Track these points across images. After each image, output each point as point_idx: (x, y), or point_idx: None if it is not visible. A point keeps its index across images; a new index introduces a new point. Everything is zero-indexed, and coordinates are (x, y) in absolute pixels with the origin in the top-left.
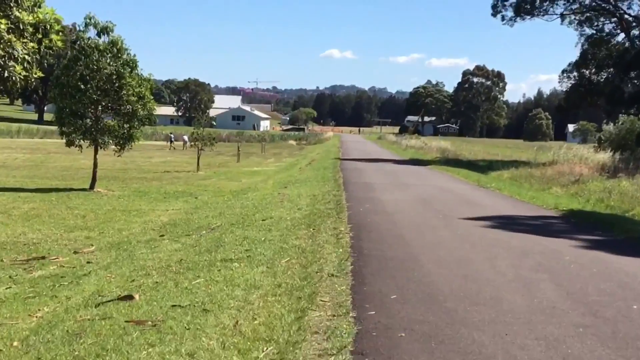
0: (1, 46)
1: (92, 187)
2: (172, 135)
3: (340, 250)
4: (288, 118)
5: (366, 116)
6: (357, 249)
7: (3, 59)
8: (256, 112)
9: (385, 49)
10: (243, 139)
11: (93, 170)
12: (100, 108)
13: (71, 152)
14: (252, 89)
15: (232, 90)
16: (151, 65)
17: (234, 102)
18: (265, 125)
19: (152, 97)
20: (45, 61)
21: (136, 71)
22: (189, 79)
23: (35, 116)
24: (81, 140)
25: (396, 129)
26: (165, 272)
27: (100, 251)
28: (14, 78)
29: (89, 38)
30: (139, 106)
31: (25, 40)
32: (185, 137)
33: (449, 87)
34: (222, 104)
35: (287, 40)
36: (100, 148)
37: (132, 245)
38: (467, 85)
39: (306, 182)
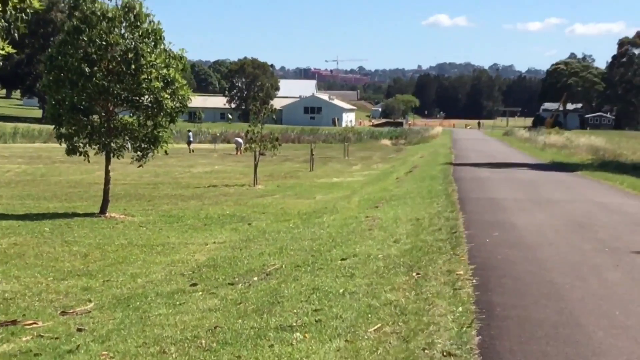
0: None
1: (102, 211)
2: (190, 134)
3: (460, 308)
4: (380, 109)
5: (487, 104)
6: (485, 306)
7: None
8: (336, 102)
9: (511, 13)
10: (319, 139)
11: (104, 188)
12: (112, 99)
13: (83, 160)
14: (330, 71)
15: (303, 73)
16: (194, 43)
17: (307, 88)
18: (349, 119)
19: (184, 82)
20: (15, 29)
21: (162, 46)
22: (245, 58)
23: (39, 113)
24: (87, 146)
25: (528, 121)
26: (189, 349)
27: (101, 311)
28: None
29: (93, 1)
30: (166, 95)
31: None
32: (239, 139)
33: (601, 62)
34: (290, 91)
35: (377, 2)
36: (114, 156)
37: (148, 301)
38: (625, 60)
39: (406, 199)
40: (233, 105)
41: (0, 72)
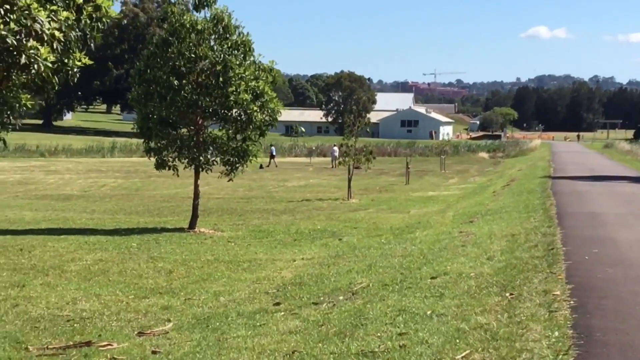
0: (15, 16)
1: (191, 226)
2: (272, 148)
3: (556, 333)
4: (478, 122)
5: (586, 117)
6: (583, 331)
7: (19, 36)
8: (434, 115)
9: (612, 24)
10: (415, 152)
11: (194, 203)
12: (200, 112)
13: (182, 175)
14: (428, 84)
15: (401, 87)
16: (292, 57)
17: (404, 101)
18: (446, 132)
19: (274, 95)
20: (92, 40)
21: (251, 58)
22: (342, 72)
23: None
24: (176, 160)
25: (629, 134)
26: None
27: (179, 331)
28: (36, 66)
29: (182, 12)
30: (256, 108)
31: (54, 7)
32: (336, 150)
33: None
34: (387, 104)
35: (476, 15)
36: (202, 170)
37: (229, 321)
38: None
39: (502, 214)
40: (330, 119)
41: (100, 87)
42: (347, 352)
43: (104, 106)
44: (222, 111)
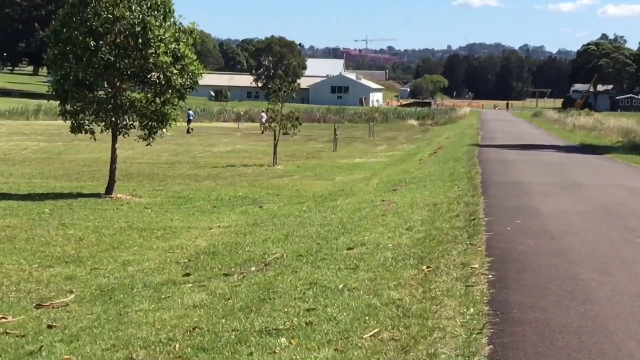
0: None
1: (108, 191)
2: (190, 112)
3: (471, 309)
4: (408, 89)
5: (516, 85)
6: (500, 307)
7: None
8: (364, 82)
9: None
10: (344, 118)
11: (110, 168)
12: (118, 75)
13: (106, 139)
14: (359, 51)
15: (332, 53)
16: (223, 22)
17: (334, 67)
18: (376, 98)
19: (195, 57)
20: None
21: (171, 20)
22: (272, 37)
23: None
24: (93, 123)
25: (558, 103)
26: (159, 354)
27: (80, 304)
28: None
29: None
30: (175, 71)
31: None
32: (264, 116)
33: (632, 43)
34: (317, 70)
35: None
36: (120, 134)
37: (133, 293)
38: None
39: (426, 182)
40: (260, 84)
41: (25, 48)
42: (250, 329)
43: (31, 68)
44: (141, 74)
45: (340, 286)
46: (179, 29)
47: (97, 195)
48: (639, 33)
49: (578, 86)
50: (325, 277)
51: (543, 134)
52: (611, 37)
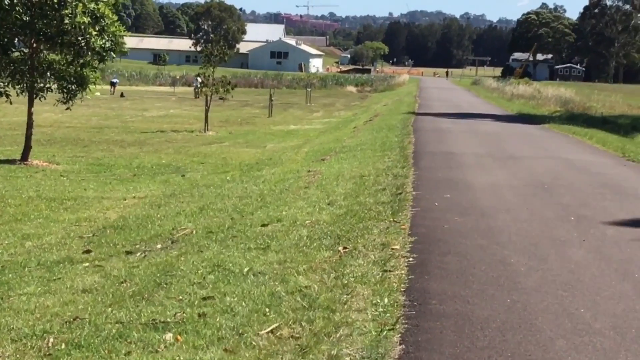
0: None
1: (24, 157)
2: (115, 76)
3: (386, 300)
4: (349, 55)
5: (456, 53)
6: (417, 297)
7: None
8: (304, 47)
9: None
10: (283, 84)
11: (27, 133)
12: (35, 35)
13: (36, 102)
14: (300, 16)
15: (273, 18)
16: None
17: (275, 33)
18: (316, 64)
19: (116, 18)
20: None
21: None
22: (212, 1)
23: None
24: (9, 86)
25: (498, 71)
26: (29, 350)
27: None
28: None
29: None
30: (95, 32)
31: None
32: (198, 80)
33: (572, 13)
34: (257, 35)
35: None
36: (36, 97)
37: (25, 272)
38: (596, 11)
39: (356, 152)
40: (199, 48)
41: None
42: (136, 321)
43: None
44: (59, 35)
45: (246, 270)
46: None
47: (12, 162)
48: (579, 3)
49: (518, 55)
50: (232, 258)
51: (481, 102)
52: (551, 6)
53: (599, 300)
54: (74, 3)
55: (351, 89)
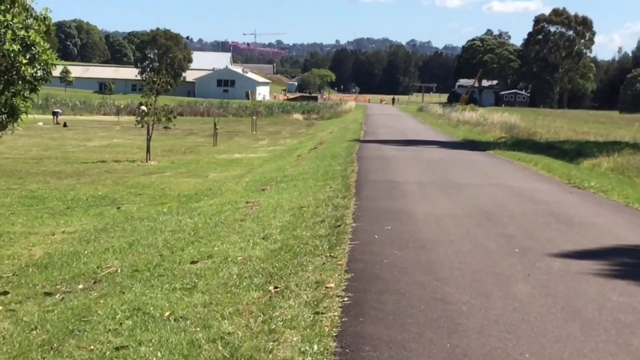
0: None
1: None
2: (58, 110)
3: (315, 347)
4: (296, 83)
5: (403, 80)
6: (351, 344)
7: None
8: (250, 75)
9: None
10: (229, 112)
11: None
12: None
13: None
14: (248, 44)
15: (221, 46)
16: (109, 14)
17: (221, 61)
18: (263, 92)
19: (48, 46)
20: None
21: (21, 4)
22: (158, 29)
23: None
24: None
25: (444, 98)
26: None
27: None
28: None
29: None
30: (25, 60)
31: None
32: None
33: (517, 39)
34: (204, 63)
35: None
36: None
37: None
38: (540, 37)
39: (298, 181)
40: (144, 77)
41: None
42: None
43: None
44: None
45: (167, 314)
46: (30, 15)
47: None
48: (523, 29)
49: (463, 81)
50: (154, 300)
51: (427, 129)
52: (496, 33)
53: (545, 343)
54: (2, 30)
55: (298, 116)
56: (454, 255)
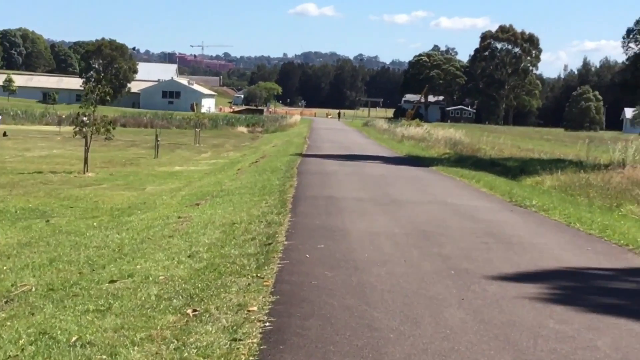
0: None
1: None
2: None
3: None
4: (242, 96)
5: (349, 94)
6: None
7: None
8: (196, 87)
9: (378, 5)
10: (173, 124)
11: None
12: None
13: None
14: (195, 56)
15: (168, 58)
16: (56, 24)
17: (167, 72)
18: (209, 104)
19: None
20: None
21: None
22: (103, 39)
23: None
24: None
25: (390, 112)
26: None
27: None
28: None
29: None
30: None
31: None
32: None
33: (463, 55)
34: (150, 75)
35: None
36: None
37: None
38: (487, 54)
39: (234, 196)
40: (85, 87)
41: None
42: None
43: None
44: None
45: (73, 339)
46: None
47: None
48: (471, 45)
49: (409, 96)
50: (63, 323)
51: (371, 143)
52: (443, 48)
53: None
54: None
55: (242, 129)
56: (387, 276)
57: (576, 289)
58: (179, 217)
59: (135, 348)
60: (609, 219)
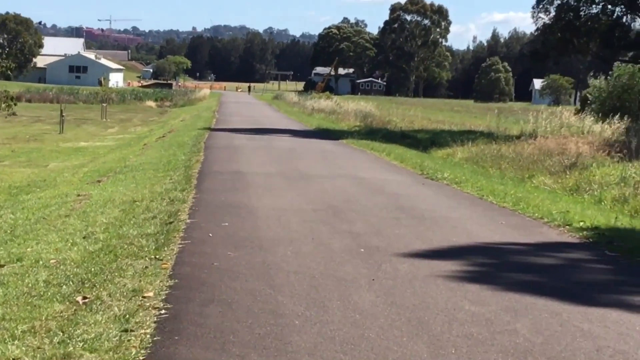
0: None
1: None
2: None
3: None
4: (151, 70)
5: (259, 68)
6: None
7: None
8: (103, 62)
9: None
10: (79, 99)
11: None
12: None
13: None
14: (102, 30)
15: (75, 32)
16: None
17: (74, 47)
18: (117, 79)
19: None
20: None
21: None
22: (7, 13)
23: None
24: None
25: (300, 85)
26: None
27: None
28: None
29: None
30: None
31: None
32: None
33: (373, 27)
34: (56, 49)
35: None
36: None
37: None
38: (396, 26)
39: (137, 172)
40: None
41: None
42: None
43: None
44: None
45: None
46: None
47: None
48: (380, 18)
49: (319, 69)
50: None
51: (281, 117)
52: (353, 21)
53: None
54: None
55: (150, 103)
56: (293, 256)
57: (491, 265)
58: (78, 195)
59: (15, 342)
60: (522, 191)
